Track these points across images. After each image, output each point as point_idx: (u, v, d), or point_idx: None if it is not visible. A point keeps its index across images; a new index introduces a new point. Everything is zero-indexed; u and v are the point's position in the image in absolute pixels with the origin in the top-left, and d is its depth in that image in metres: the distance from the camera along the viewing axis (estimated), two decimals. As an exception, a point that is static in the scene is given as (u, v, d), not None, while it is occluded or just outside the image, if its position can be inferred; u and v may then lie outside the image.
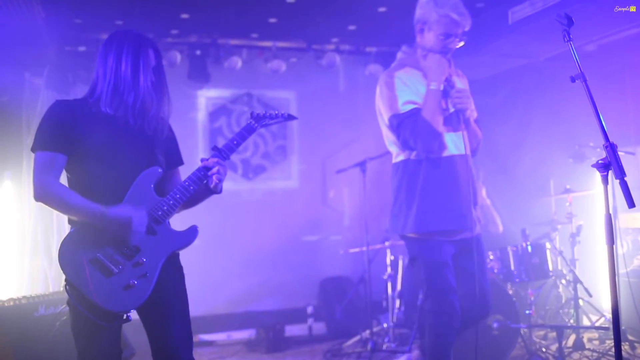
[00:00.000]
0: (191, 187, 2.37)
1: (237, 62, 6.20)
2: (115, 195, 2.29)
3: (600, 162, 2.13)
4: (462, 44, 2.96)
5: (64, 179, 2.35)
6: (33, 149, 2.31)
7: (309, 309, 6.20)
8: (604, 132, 2.15)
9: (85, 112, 2.34)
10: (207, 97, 6.52)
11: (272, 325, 5.86)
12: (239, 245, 6.38)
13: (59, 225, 5.39)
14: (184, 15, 5.42)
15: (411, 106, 2.83)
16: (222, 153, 2.43)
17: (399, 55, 3.06)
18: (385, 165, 6.45)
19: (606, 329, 4.68)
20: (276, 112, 2.67)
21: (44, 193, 2.26)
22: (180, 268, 2.48)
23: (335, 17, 5.64)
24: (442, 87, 2.86)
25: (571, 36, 2.32)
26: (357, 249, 5.84)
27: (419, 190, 2.86)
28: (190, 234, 2.39)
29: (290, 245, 6.54)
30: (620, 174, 2.08)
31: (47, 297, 3.85)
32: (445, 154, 2.90)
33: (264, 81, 6.62)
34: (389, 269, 5.41)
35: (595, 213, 5.43)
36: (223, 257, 6.17)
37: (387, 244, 5.47)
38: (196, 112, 6.49)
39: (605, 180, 2.14)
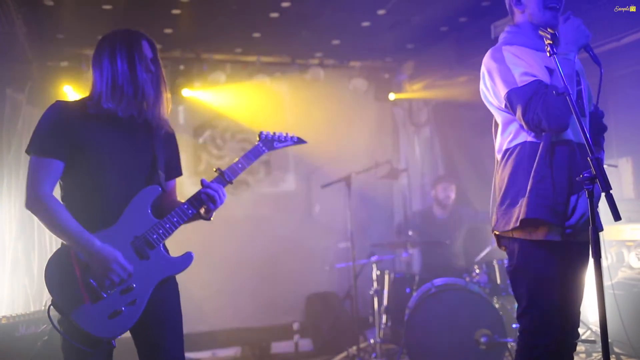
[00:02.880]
0: (190, 211, 2.33)
1: (221, 76, 6.18)
2: (112, 211, 2.22)
3: (585, 175, 2.12)
4: None
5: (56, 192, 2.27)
6: (28, 152, 2.22)
7: (295, 326, 6.15)
8: (589, 145, 2.15)
9: (85, 115, 2.25)
10: (190, 112, 6.47)
11: (258, 343, 5.81)
12: (223, 261, 6.32)
13: (40, 242, 5.31)
14: (167, 30, 5.40)
15: (531, 78, 2.41)
16: (225, 176, 2.39)
17: (502, 35, 2.69)
18: (370, 179, 6.48)
19: (593, 342, 4.69)
20: (285, 134, 2.63)
21: (36, 204, 2.17)
22: (176, 285, 2.42)
23: (319, 32, 5.66)
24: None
25: (555, 50, 2.32)
26: (343, 265, 5.81)
27: (542, 175, 2.43)
28: (184, 261, 2.33)
29: (275, 260, 6.49)
30: (606, 187, 2.07)
31: (28, 316, 3.77)
32: (564, 137, 2.48)
33: (247, 96, 6.59)
34: (375, 284, 5.38)
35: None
36: (207, 273, 6.10)
37: (373, 259, 5.45)
38: (180, 128, 6.45)
39: (590, 193, 2.13)
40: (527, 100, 2.38)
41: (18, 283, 5.18)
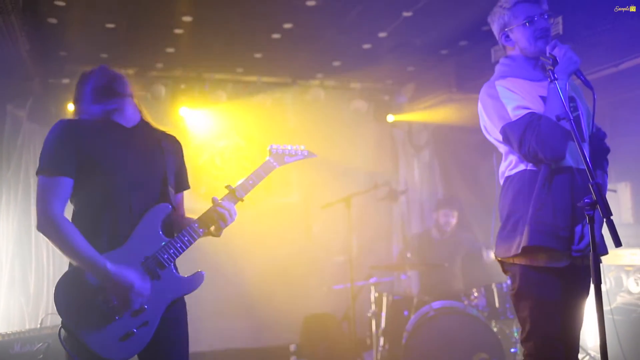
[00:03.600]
0: (200, 230, 2.31)
1: (222, 96, 6.21)
2: (122, 229, 2.19)
3: (586, 200, 2.12)
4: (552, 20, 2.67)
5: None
6: (37, 172, 2.19)
7: (292, 347, 6.08)
8: (589, 170, 2.15)
9: (92, 129, 2.25)
10: (192, 130, 6.48)
11: (254, 363, 5.74)
12: (221, 280, 6.27)
13: (37, 261, 5.28)
14: (170, 50, 5.43)
15: (524, 111, 2.45)
16: (237, 194, 2.37)
17: (497, 67, 2.74)
18: (369, 200, 6.48)
19: (591, 367, 4.66)
20: (295, 148, 2.59)
21: (49, 226, 2.12)
22: (184, 305, 2.40)
23: (320, 53, 5.70)
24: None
25: (556, 76, 2.34)
26: (341, 286, 5.78)
27: (541, 203, 2.44)
28: (196, 280, 2.32)
29: (273, 281, 6.45)
30: (607, 213, 2.07)
31: (23, 334, 3.75)
32: (563, 164, 2.49)
33: (248, 116, 6.61)
34: (373, 306, 5.35)
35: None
36: (204, 293, 6.04)
37: (371, 281, 5.42)
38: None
39: (591, 219, 2.13)
40: (520, 134, 2.42)
41: (14, 301, 5.15)
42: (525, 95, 2.51)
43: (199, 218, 2.32)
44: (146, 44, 5.33)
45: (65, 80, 5.77)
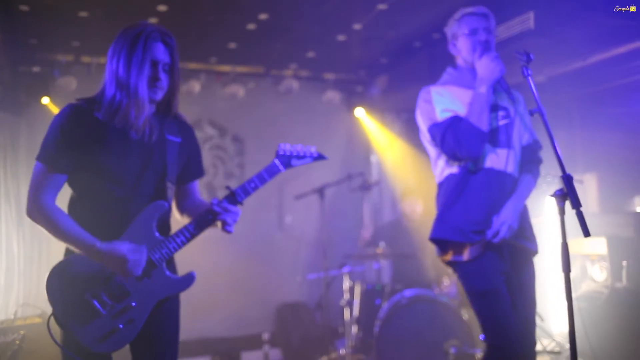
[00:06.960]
0: (195, 231, 2.27)
1: (195, 86, 6.18)
2: (116, 227, 2.16)
3: (557, 192, 2.22)
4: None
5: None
6: (37, 157, 2.14)
7: (265, 335, 6.13)
8: (560, 163, 2.24)
9: (95, 123, 2.14)
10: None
11: (228, 352, 5.78)
12: (193, 269, 6.27)
13: (8, 252, 5.21)
14: (143, 38, 5.38)
15: (449, 114, 2.69)
16: (237, 197, 2.31)
17: (443, 75, 2.95)
18: (342, 191, 6.54)
19: (558, 353, 4.80)
20: (304, 149, 2.44)
21: (38, 212, 2.12)
22: (177, 296, 2.39)
23: (294, 44, 5.71)
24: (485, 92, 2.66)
25: (529, 72, 2.42)
26: (315, 275, 5.83)
27: (451, 202, 2.72)
28: (186, 281, 2.30)
29: (246, 270, 6.48)
30: (577, 204, 2.17)
31: (-4, 325, 3.72)
32: (485, 165, 2.72)
33: (221, 106, 6.60)
34: (346, 295, 5.42)
35: (542, 239, 5.56)
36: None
37: (345, 270, 5.49)
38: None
39: (562, 210, 2.22)
40: (442, 133, 2.68)
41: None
42: (455, 101, 2.73)
43: (194, 219, 2.27)
44: (118, 31, 5.26)
45: (36, 69, 5.68)
